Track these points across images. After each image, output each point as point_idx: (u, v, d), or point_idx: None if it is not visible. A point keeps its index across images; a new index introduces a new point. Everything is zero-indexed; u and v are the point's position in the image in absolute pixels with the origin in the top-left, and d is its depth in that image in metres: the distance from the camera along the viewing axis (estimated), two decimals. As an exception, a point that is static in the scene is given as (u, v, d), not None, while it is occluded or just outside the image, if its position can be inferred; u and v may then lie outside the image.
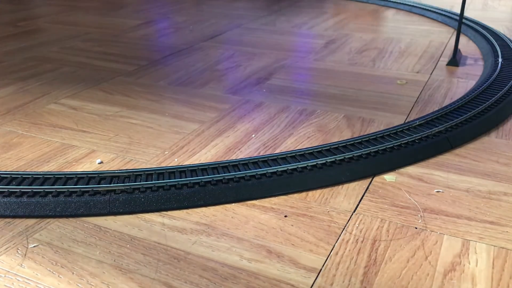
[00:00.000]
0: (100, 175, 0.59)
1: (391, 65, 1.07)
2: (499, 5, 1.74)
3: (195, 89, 0.94)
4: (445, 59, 1.11)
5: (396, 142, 0.66)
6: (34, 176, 0.59)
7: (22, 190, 0.56)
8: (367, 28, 1.42)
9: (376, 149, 0.65)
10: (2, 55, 1.18)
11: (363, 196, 0.58)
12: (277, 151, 0.69)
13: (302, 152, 0.64)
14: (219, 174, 0.59)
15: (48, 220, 0.54)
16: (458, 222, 0.53)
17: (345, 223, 0.53)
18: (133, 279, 0.45)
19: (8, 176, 0.59)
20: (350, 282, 0.45)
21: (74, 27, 1.46)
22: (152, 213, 0.55)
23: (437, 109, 0.80)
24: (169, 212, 0.55)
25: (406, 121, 0.77)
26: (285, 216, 0.54)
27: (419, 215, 0.54)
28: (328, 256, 0.48)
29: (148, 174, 0.60)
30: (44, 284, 0.45)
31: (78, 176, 0.59)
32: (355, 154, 0.63)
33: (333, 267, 0.47)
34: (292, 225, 0.53)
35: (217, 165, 0.61)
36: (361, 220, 0.54)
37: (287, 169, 0.60)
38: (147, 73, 1.03)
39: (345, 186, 0.60)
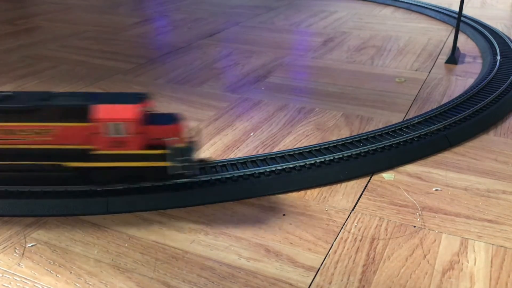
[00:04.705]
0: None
1: (389, 63, 1.07)
2: (497, 3, 1.74)
3: (193, 87, 0.94)
4: (443, 57, 1.11)
5: (395, 140, 0.66)
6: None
7: (20, 190, 0.56)
8: (365, 26, 1.42)
9: (375, 147, 0.64)
10: (0, 53, 1.18)
11: (361, 194, 0.58)
12: (276, 149, 0.69)
13: (301, 151, 0.64)
14: (217, 172, 0.59)
15: (46, 219, 0.54)
16: (456, 221, 0.53)
17: (344, 221, 0.53)
18: (131, 278, 0.45)
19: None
20: (349, 280, 0.45)
21: (72, 25, 1.46)
22: (150, 212, 0.55)
23: (435, 107, 0.80)
24: (168, 211, 0.55)
25: (405, 119, 0.77)
26: (284, 215, 0.54)
27: (417, 213, 0.54)
28: (327, 254, 0.48)
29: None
30: (42, 283, 0.45)
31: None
32: (353, 153, 0.63)
33: (331, 265, 0.47)
34: (290, 224, 0.53)
35: (215, 164, 0.61)
36: (359, 219, 0.53)
37: (286, 167, 0.60)
38: (145, 71, 1.03)
39: (344, 184, 0.60)
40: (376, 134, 0.68)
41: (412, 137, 0.67)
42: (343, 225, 0.53)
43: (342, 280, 0.45)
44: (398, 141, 0.66)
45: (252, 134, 0.74)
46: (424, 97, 0.88)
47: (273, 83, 0.96)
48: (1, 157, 0.52)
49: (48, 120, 0.50)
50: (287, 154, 0.63)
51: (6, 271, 0.46)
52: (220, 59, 1.11)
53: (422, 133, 0.68)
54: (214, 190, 0.57)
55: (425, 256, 0.48)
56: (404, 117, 0.79)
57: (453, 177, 0.62)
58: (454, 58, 1.06)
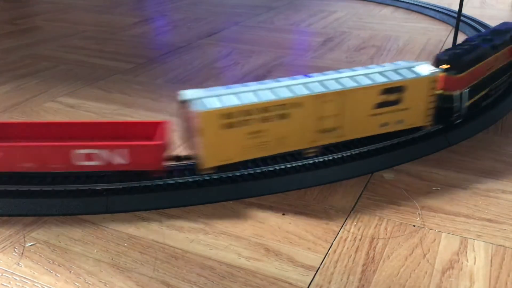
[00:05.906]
0: (97, 174, 0.59)
1: (389, 63, 1.07)
2: (497, 3, 1.74)
3: (193, 87, 0.93)
4: (443, 56, 1.11)
5: (395, 140, 0.66)
6: (32, 174, 0.59)
7: (20, 189, 0.56)
8: (365, 26, 1.42)
9: (375, 147, 0.64)
10: (0, 53, 1.18)
11: (361, 194, 0.58)
12: (275, 149, 0.68)
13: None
14: (217, 172, 0.59)
15: (45, 218, 0.54)
16: (456, 220, 0.53)
17: (343, 221, 0.53)
18: (130, 278, 0.45)
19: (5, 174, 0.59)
20: (348, 280, 0.45)
21: (72, 25, 1.46)
22: (150, 211, 0.55)
23: (435, 106, 0.80)
24: (167, 210, 0.55)
25: (404, 119, 0.77)
26: (283, 214, 0.54)
27: (417, 213, 0.54)
28: (326, 254, 0.48)
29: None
30: (41, 283, 0.45)
31: (75, 174, 0.59)
32: (353, 152, 0.63)
33: (331, 265, 0.47)
34: (290, 223, 0.53)
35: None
36: (359, 218, 0.53)
37: (286, 167, 0.60)
38: (145, 71, 1.03)
39: (344, 184, 0.60)
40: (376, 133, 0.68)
41: (412, 136, 0.67)
42: (343, 224, 0.53)
43: (341, 280, 0.45)
44: (398, 140, 0.66)
45: (251, 133, 0.73)
46: (423, 97, 0.87)
47: (273, 82, 0.95)
48: (491, 81, 0.75)
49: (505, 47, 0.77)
50: (287, 154, 0.63)
51: (5, 270, 0.46)
52: (219, 59, 1.11)
53: (422, 133, 0.68)
54: (214, 190, 0.57)
55: (424, 255, 0.48)
56: (404, 116, 0.79)
57: (453, 176, 0.62)
58: (454, 57, 1.06)
